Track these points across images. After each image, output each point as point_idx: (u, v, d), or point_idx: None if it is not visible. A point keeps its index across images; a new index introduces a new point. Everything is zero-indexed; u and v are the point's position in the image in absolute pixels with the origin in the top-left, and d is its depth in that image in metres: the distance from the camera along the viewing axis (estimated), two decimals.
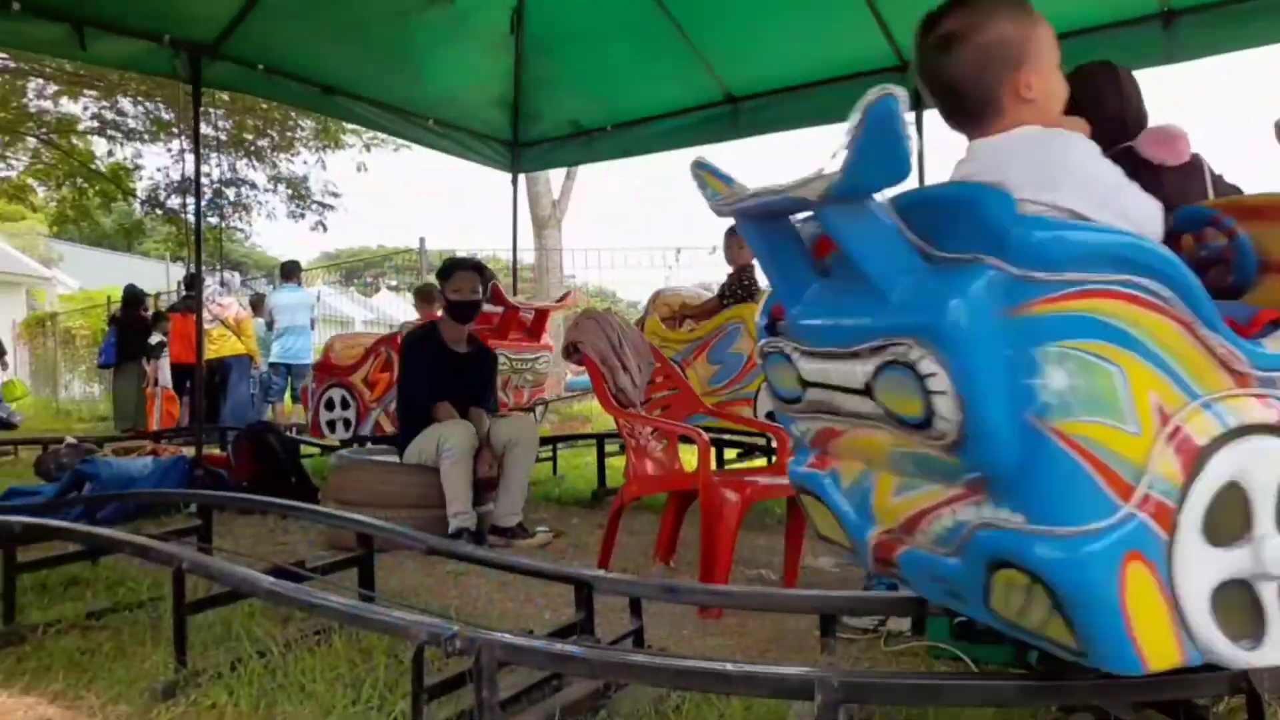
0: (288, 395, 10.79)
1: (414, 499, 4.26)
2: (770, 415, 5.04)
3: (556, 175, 13.96)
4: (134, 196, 12.73)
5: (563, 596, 3.01)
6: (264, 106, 10.71)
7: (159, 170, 16.16)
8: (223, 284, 11.61)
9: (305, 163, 12.17)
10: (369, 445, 6.06)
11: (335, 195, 12.66)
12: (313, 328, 10.42)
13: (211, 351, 9.04)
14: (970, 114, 1.63)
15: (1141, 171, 2.29)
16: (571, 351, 3.99)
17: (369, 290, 18.95)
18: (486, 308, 6.50)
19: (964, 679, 1.65)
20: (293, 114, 11.12)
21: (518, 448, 4.38)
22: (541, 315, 7.29)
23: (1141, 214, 1.50)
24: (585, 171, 14.31)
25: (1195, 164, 2.60)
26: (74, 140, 11.93)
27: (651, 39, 6.05)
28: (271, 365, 10.23)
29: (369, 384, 6.87)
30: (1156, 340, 1.34)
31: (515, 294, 8.56)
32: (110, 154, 12.14)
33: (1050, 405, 1.29)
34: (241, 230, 14.23)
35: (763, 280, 5.54)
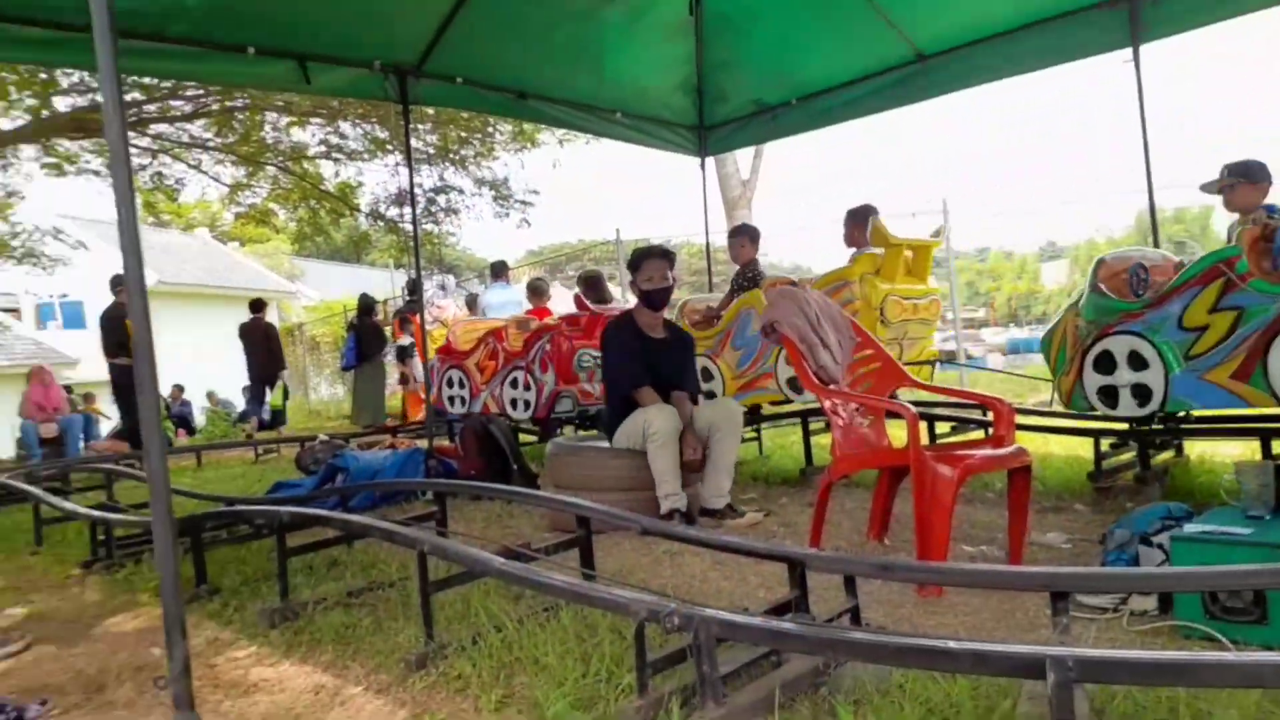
0: None
1: (626, 482, 4.40)
2: (790, 382, 5.41)
3: (745, 154, 13.88)
4: (359, 211, 13.85)
5: (776, 575, 3.03)
6: (464, 117, 11.32)
7: (378, 185, 17.48)
8: (441, 287, 12.46)
9: (505, 164, 12.78)
10: (579, 433, 6.35)
11: (534, 193, 13.20)
12: None
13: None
14: None
15: None
16: (769, 331, 3.97)
17: (571, 283, 19.68)
18: (573, 310, 7.20)
19: (1220, 658, 1.50)
20: (490, 121, 11.70)
21: (722, 429, 4.42)
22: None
23: None
24: (773, 146, 14.14)
25: None
26: (305, 165, 13.16)
27: (832, 5, 5.91)
28: None
29: (479, 368, 7.61)
30: None
31: (710, 277, 8.67)
32: (336, 174, 13.30)
33: None
34: (453, 234, 15.14)
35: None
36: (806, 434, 5.87)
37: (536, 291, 9.00)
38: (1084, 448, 5.11)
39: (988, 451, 3.47)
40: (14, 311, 25.22)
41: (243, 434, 11.65)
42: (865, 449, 3.72)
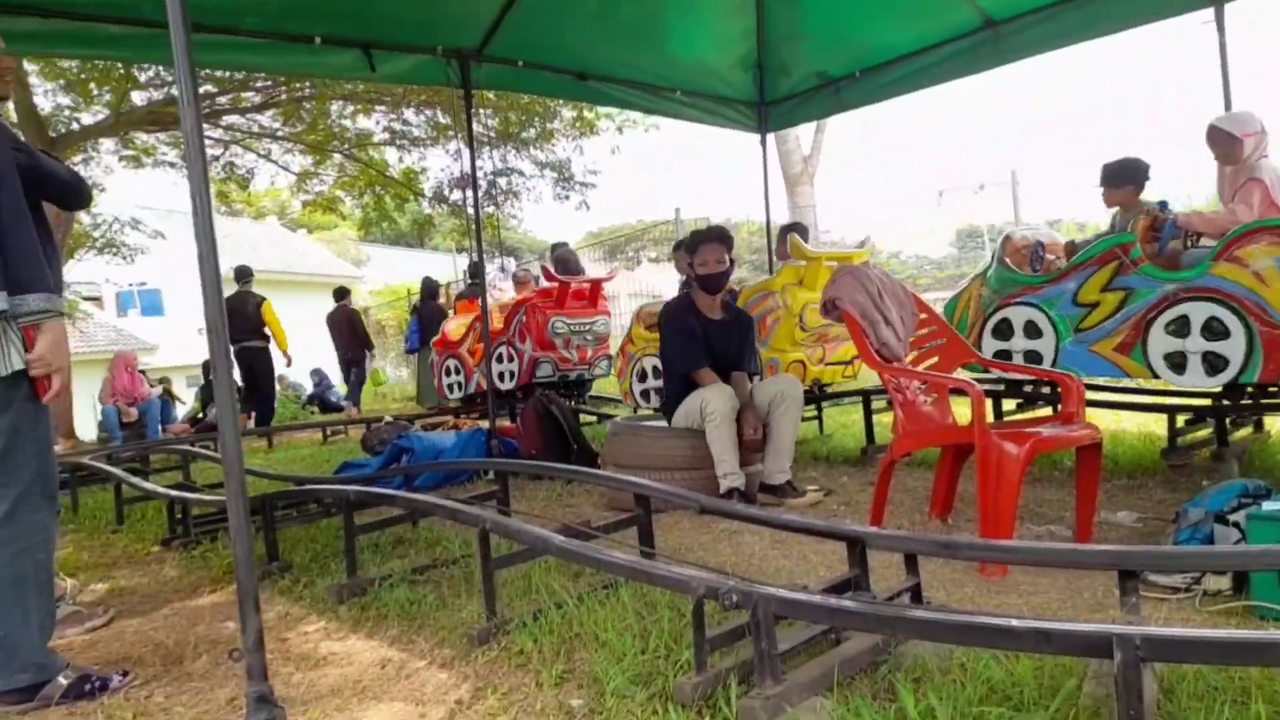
0: None
1: (684, 461, 4.41)
2: None
3: (806, 130, 13.67)
4: (422, 196, 14.03)
5: (836, 554, 3.01)
6: (524, 101, 11.37)
7: (442, 170, 17.70)
8: (502, 269, 12.57)
9: (565, 150, 12.81)
10: (636, 413, 6.39)
11: (594, 173, 13.21)
12: None
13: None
14: None
15: None
16: (830, 308, 3.92)
17: (631, 264, 19.67)
18: (545, 284, 8.02)
19: None
20: (550, 106, 11.73)
21: (782, 406, 4.39)
22: (596, 286, 8.17)
23: None
24: (834, 121, 13.90)
25: None
26: (370, 153, 13.37)
27: None
28: None
29: (471, 353, 8.40)
30: None
31: (770, 256, 8.60)
32: (400, 160, 13.48)
33: None
34: (515, 218, 15.23)
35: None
36: (868, 412, 5.80)
37: (519, 282, 9.40)
38: (1158, 424, 4.96)
39: (1056, 429, 3.39)
40: (95, 300, 26.19)
41: (343, 416, 12.22)
42: (929, 427, 3.66)
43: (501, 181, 12.99)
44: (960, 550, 2.56)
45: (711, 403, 4.26)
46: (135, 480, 5.02)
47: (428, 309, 11.44)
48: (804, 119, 8.15)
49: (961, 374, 4.25)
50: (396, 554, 3.79)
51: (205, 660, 2.68)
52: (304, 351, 12.73)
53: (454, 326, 8.86)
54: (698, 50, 6.64)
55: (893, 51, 6.41)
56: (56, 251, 2.69)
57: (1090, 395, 4.45)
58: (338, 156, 13.53)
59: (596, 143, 12.46)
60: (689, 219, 13.40)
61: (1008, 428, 3.57)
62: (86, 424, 13.66)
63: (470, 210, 6.73)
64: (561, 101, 11.40)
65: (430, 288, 11.79)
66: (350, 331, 12.69)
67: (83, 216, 13.00)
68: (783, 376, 5.32)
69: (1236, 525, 2.65)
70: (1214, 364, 3.99)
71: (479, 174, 7.60)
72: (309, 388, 15.50)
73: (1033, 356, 4.58)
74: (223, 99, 11.32)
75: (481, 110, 11.69)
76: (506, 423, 7.09)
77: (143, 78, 10.54)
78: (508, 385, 7.92)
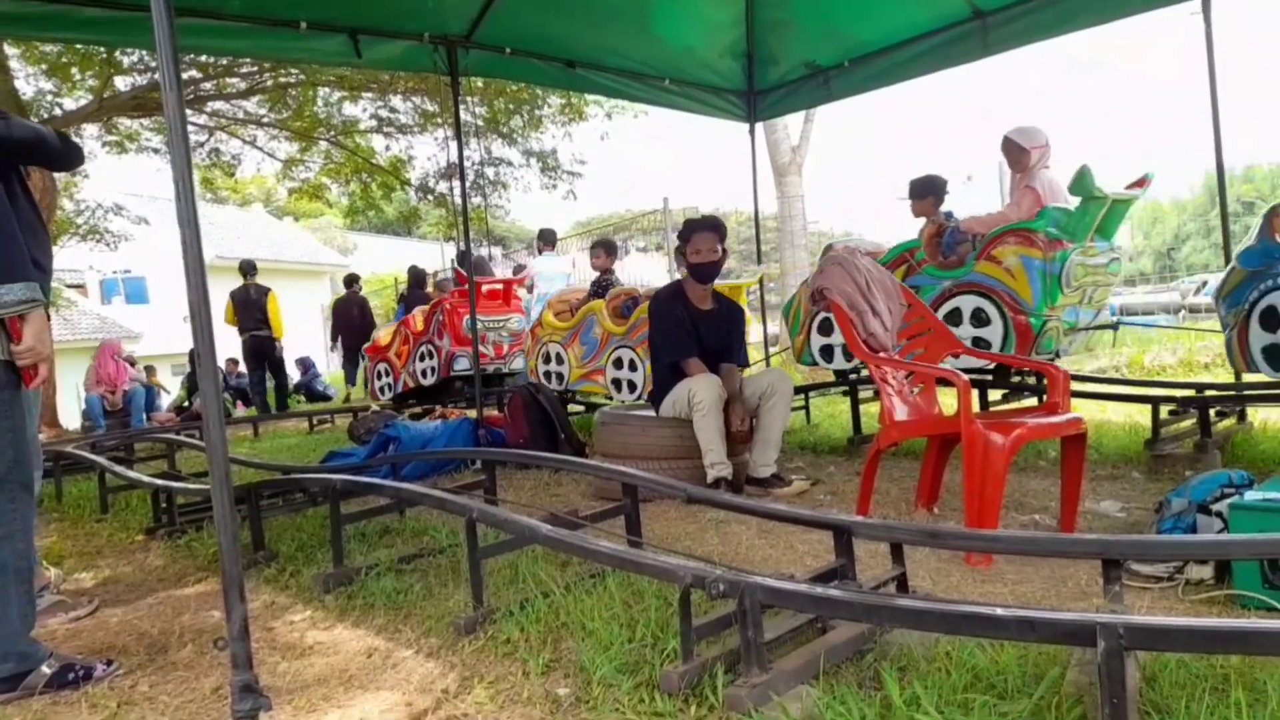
0: None
1: (673, 451, 4.41)
2: (614, 382, 6.55)
3: (794, 120, 13.63)
4: (409, 185, 13.95)
5: (822, 543, 3.03)
6: (512, 89, 11.31)
7: (429, 159, 17.58)
8: (490, 259, 12.55)
9: (554, 137, 12.75)
10: (626, 403, 6.42)
11: (581, 163, 13.16)
12: None
13: None
14: None
15: None
16: (819, 298, 3.92)
17: (620, 253, 19.68)
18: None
19: (1276, 625, 1.45)
20: (539, 93, 11.67)
21: (771, 400, 4.39)
22: (508, 285, 9.22)
23: None
24: (824, 111, 13.87)
25: None
26: (357, 140, 13.27)
27: None
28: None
29: (398, 355, 9.45)
30: None
31: (759, 246, 8.61)
32: (387, 148, 13.39)
33: None
34: (502, 207, 15.14)
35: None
36: (855, 403, 5.82)
37: (442, 289, 10.40)
38: (1143, 415, 4.99)
39: (1041, 419, 3.40)
40: (79, 287, 25.99)
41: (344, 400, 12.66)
42: (915, 417, 3.67)
43: (489, 171, 12.94)
44: (946, 539, 2.58)
45: (699, 393, 4.25)
46: (119, 469, 4.99)
47: (415, 297, 11.41)
48: (793, 108, 8.16)
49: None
50: (383, 543, 3.78)
51: (190, 649, 2.67)
52: (290, 340, 12.72)
53: (383, 334, 9.88)
54: (686, 38, 6.62)
55: (882, 41, 6.42)
56: (46, 234, 2.66)
57: (1075, 386, 4.48)
58: (324, 143, 13.43)
59: (586, 129, 12.39)
60: (678, 209, 13.38)
61: (994, 418, 3.59)
62: (70, 412, 13.56)
63: (457, 200, 6.71)
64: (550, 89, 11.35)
65: (417, 276, 11.76)
66: (360, 318, 13.00)
67: (65, 203, 12.88)
68: (773, 370, 5.34)
69: (1219, 515, 2.68)
70: (982, 347, 4.71)
71: (466, 163, 7.58)
72: (296, 376, 15.45)
73: (849, 351, 4.89)
74: (207, 84, 11.21)
75: (470, 98, 11.62)
76: (494, 412, 7.08)
77: (126, 62, 10.42)
78: (430, 381, 8.82)
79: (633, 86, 6.91)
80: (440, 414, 7.32)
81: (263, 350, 11.64)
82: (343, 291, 13.39)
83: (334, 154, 13.75)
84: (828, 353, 5.57)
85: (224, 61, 10.61)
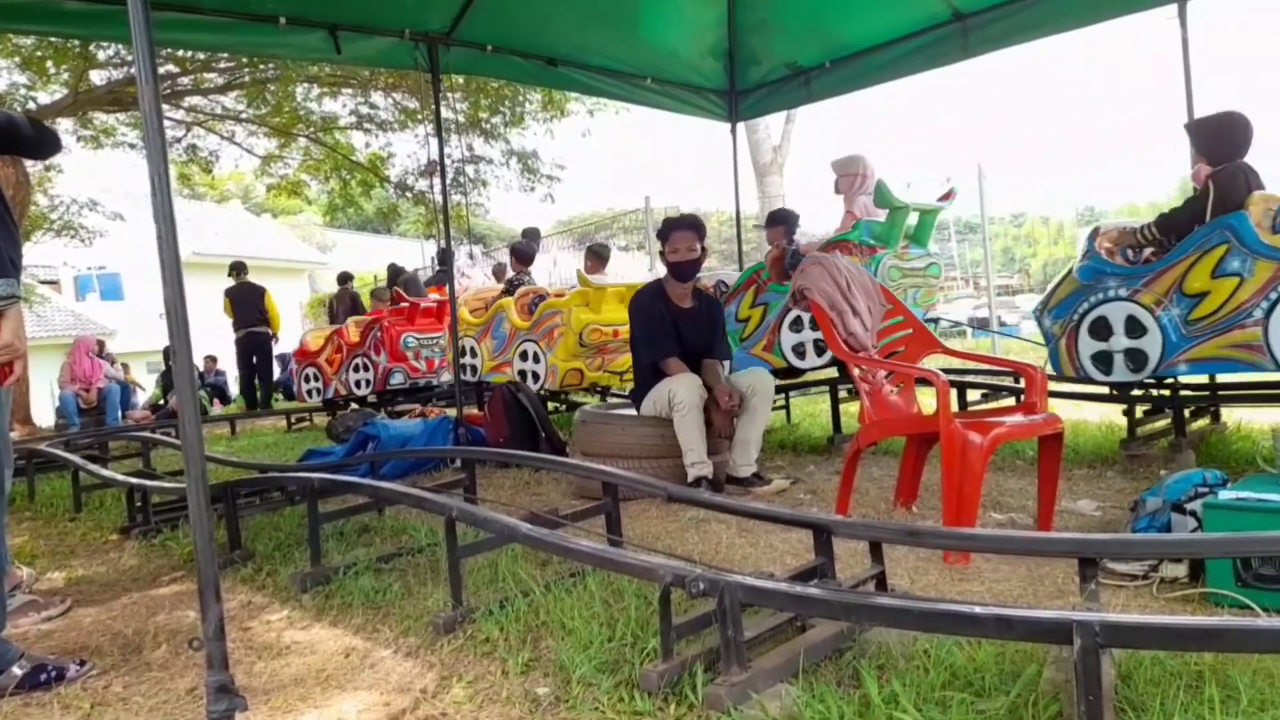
0: None
1: (653, 450, 4.41)
2: (521, 374, 6.91)
3: (776, 120, 13.68)
4: (389, 182, 13.85)
5: (802, 542, 3.04)
6: (494, 86, 11.25)
7: (409, 156, 17.47)
8: (470, 257, 12.49)
9: (535, 134, 12.70)
10: (609, 401, 6.43)
11: (561, 168, 13.12)
12: None
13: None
14: None
15: None
16: (799, 298, 3.94)
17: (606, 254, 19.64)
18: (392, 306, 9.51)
19: (1250, 623, 1.47)
20: (520, 90, 11.62)
21: (753, 399, 4.41)
22: (442, 305, 9.22)
23: None
24: (806, 112, 13.93)
25: None
26: (336, 136, 13.15)
27: None
28: None
29: (329, 362, 9.67)
30: None
31: (740, 246, 8.61)
32: (367, 145, 13.28)
33: None
34: (480, 205, 15.07)
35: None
36: (835, 402, 5.85)
37: (379, 299, 10.66)
38: (1119, 415, 5.04)
39: (1019, 419, 3.43)
40: (53, 284, 25.65)
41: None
42: (894, 416, 3.69)
43: (470, 169, 12.87)
44: (924, 538, 2.59)
45: (679, 393, 4.26)
46: (93, 467, 4.93)
47: (380, 295, 11.38)
48: (774, 108, 8.16)
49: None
50: (362, 542, 3.75)
51: (165, 650, 2.64)
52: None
53: (312, 339, 10.20)
54: (668, 38, 6.62)
55: (863, 42, 6.44)
56: (17, 230, 2.61)
57: (1053, 386, 4.52)
58: (303, 140, 13.31)
59: (567, 125, 12.35)
60: (659, 208, 13.37)
61: (972, 417, 3.61)
62: (44, 410, 13.39)
63: (437, 197, 6.69)
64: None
65: (396, 273, 11.69)
66: (355, 313, 12.77)
67: (39, 198, 12.71)
68: (756, 370, 5.35)
69: (1193, 514, 2.70)
70: (821, 350, 5.28)
71: (447, 160, 7.58)
72: (276, 373, 15.31)
73: None
74: (184, 79, 11.08)
75: (450, 95, 11.55)
76: (474, 411, 7.06)
77: (101, 56, 10.28)
78: (364, 392, 9.15)
79: (614, 85, 6.90)
80: (420, 412, 7.29)
81: (261, 347, 11.83)
82: (336, 288, 13.44)
83: (313, 150, 13.63)
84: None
85: (201, 56, 10.50)
